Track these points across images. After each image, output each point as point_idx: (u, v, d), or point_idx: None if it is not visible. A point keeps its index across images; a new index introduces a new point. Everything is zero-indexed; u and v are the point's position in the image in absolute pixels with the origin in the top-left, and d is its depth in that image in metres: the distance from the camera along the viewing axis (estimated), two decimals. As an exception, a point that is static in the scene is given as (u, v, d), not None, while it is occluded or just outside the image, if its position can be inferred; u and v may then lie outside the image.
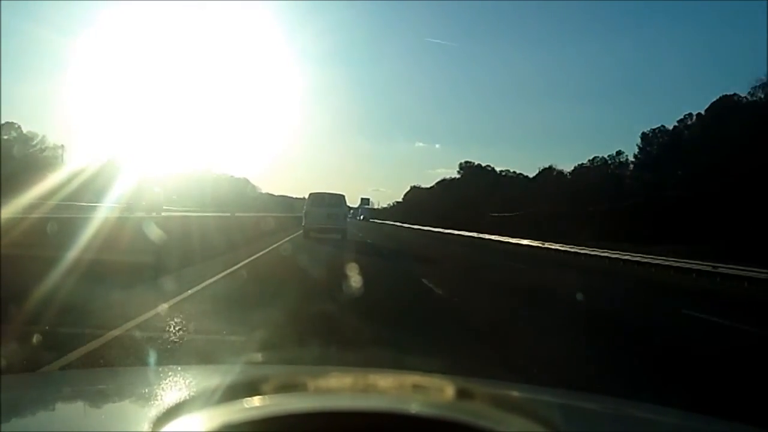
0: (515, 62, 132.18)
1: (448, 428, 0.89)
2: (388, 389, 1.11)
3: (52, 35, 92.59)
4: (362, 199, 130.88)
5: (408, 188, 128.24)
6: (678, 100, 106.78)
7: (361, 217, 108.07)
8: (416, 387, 1.12)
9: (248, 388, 1.00)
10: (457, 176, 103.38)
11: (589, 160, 65.32)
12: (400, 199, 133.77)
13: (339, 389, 1.15)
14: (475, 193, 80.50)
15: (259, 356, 4.51)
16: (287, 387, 1.07)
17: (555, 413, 1.26)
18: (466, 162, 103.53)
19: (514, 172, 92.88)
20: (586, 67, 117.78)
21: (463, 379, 1.51)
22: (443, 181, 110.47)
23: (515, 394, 1.57)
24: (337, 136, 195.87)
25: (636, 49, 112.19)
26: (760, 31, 71.87)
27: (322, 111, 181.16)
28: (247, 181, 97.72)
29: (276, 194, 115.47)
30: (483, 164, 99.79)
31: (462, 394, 1.06)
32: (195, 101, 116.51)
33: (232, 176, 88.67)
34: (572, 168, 68.61)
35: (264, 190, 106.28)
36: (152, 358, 4.74)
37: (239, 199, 71.53)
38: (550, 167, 73.51)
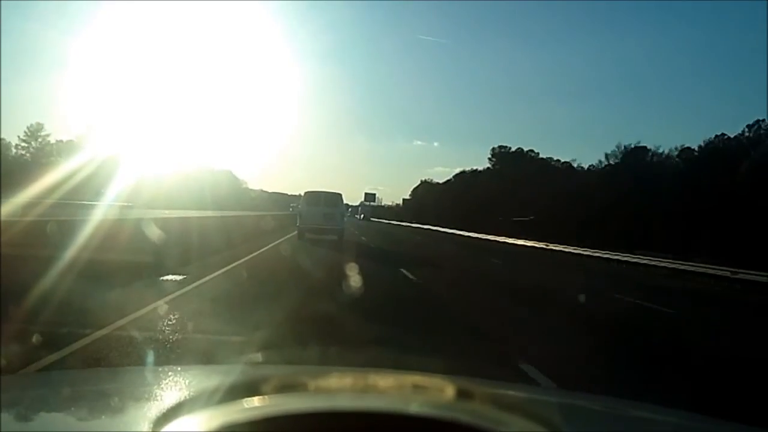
0: (512, 59, 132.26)
1: (448, 428, 0.89)
2: (388, 389, 1.11)
3: (49, 33, 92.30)
4: (366, 194, 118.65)
5: (417, 182, 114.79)
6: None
7: (361, 217, 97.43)
8: (416, 387, 1.12)
9: (248, 388, 1.00)
10: (485, 167, 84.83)
11: (716, 136, 49.13)
12: (407, 196, 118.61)
13: (339, 389, 1.15)
14: (513, 186, 63.81)
15: (258, 355, 4.52)
16: (287, 387, 1.07)
17: (555, 413, 1.27)
18: (500, 147, 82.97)
19: (558, 160, 74.56)
20: (584, 64, 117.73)
21: (463, 379, 1.51)
22: (462, 173, 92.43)
23: (515, 394, 1.57)
24: (334, 134, 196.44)
25: (640, 46, 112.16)
26: None
27: (319, 109, 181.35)
28: (232, 174, 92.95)
29: (270, 191, 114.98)
30: (525, 149, 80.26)
31: (462, 394, 1.06)
32: (193, 99, 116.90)
33: (216, 170, 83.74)
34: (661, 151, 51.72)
35: (257, 188, 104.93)
36: (147, 353, 4.80)
37: (236, 196, 71.28)
38: (644, 147, 53.74)
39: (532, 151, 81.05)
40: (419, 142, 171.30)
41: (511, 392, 1.59)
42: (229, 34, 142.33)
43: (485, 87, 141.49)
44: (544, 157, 78.21)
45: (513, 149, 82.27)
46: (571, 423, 1.27)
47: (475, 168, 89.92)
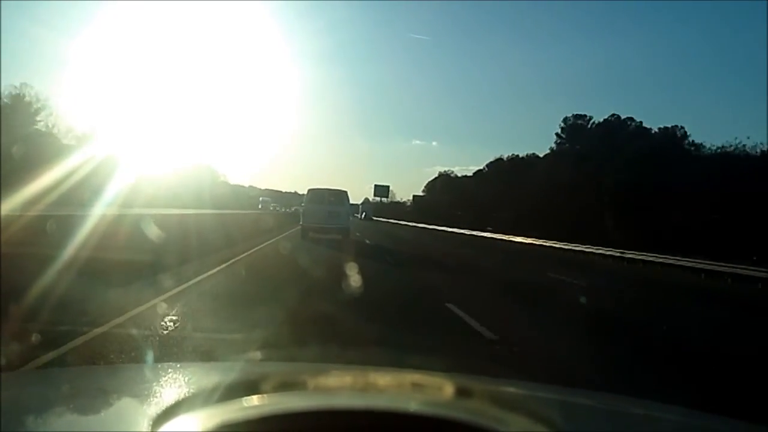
0: (509, 57, 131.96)
1: (447, 427, 0.89)
2: (388, 388, 1.11)
3: (48, 34, 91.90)
4: (377, 186, 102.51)
5: (415, 179, 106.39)
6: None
7: (362, 216, 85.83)
8: (415, 385, 1.12)
9: (247, 386, 1.00)
10: (527, 153, 64.51)
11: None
12: (419, 192, 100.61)
13: (338, 388, 1.14)
14: (598, 172, 41.85)
15: (258, 353, 4.51)
16: (286, 385, 1.07)
17: (554, 411, 1.26)
18: (576, 117, 57.95)
19: (691, 140, 46.79)
20: (584, 64, 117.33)
21: (462, 377, 1.50)
22: (499, 161, 70.07)
23: (515, 391, 1.57)
24: (332, 134, 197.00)
25: (634, 45, 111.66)
26: None
27: (317, 109, 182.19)
28: (210, 169, 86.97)
29: (262, 188, 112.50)
30: (622, 116, 54.39)
31: (461, 392, 1.06)
32: (192, 100, 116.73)
33: (195, 165, 77.33)
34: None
35: (246, 184, 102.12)
36: (145, 349, 4.82)
37: (237, 197, 70.92)
38: None
39: (631, 119, 53.65)
40: (418, 142, 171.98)
41: (510, 390, 1.58)
42: (227, 37, 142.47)
43: (483, 86, 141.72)
44: (658, 128, 50.88)
45: (600, 120, 55.97)
46: (570, 421, 1.27)
47: (515, 154, 68.54)
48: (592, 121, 58.11)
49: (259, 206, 76.69)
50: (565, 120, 59.27)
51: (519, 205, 50.05)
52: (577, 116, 58.92)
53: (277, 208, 76.29)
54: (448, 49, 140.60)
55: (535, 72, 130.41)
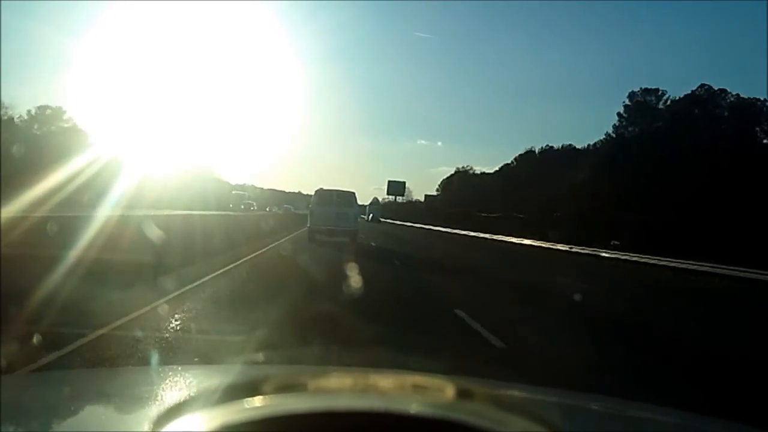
0: (514, 56, 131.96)
1: (448, 428, 0.89)
2: (389, 389, 1.11)
3: (53, 34, 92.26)
4: (390, 183, 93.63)
5: (420, 177, 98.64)
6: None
7: (369, 217, 78.03)
8: (416, 387, 1.12)
9: (248, 388, 1.00)
10: (561, 143, 56.67)
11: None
12: (432, 192, 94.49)
13: (339, 389, 1.14)
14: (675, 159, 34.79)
15: (259, 355, 4.52)
16: (287, 387, 1.07)
17: (555, 413, 1.26)
18: (644, 92, 48.06)
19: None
20: (583, 63, 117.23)
21: (463, 379, 1.50)
22: (529, 153, 58.12)
23: (515, 394, 1.57)
24: (336, 134, 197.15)
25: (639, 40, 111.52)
26: None
27: (320, 110, 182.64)
28: (210, 169, 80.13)
29: (265, 188, 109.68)
30: (715, 87, 45.13)
31: (462, 394, 1.06)
32: (196, 100, 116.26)
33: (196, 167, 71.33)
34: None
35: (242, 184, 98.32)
36: (147, 351, 4.82)
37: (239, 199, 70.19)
38: None
39: (724, 91, 44.43)
40: (423, 142, 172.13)
41: (511, 392, 1.58)
42: (231, 37, 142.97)
43: (488, 85, 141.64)
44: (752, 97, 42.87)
45: (676, 97, 46.02)
46: (571, 423, 1.27)
47: (548, 145, 58.26)
48: (666, 97, 48.20)
49: (230, 204, 52.57)
50: (631, 96, 48.58)
51: (572, 201, 39.99)
52: (646, 91, 48.49)
53: (253, 207, 57.92)
54: (453, 47, 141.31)
55: (540, 70, 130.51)
